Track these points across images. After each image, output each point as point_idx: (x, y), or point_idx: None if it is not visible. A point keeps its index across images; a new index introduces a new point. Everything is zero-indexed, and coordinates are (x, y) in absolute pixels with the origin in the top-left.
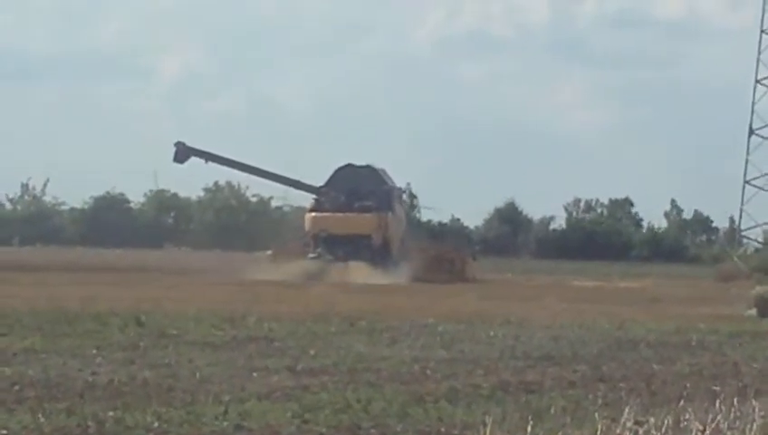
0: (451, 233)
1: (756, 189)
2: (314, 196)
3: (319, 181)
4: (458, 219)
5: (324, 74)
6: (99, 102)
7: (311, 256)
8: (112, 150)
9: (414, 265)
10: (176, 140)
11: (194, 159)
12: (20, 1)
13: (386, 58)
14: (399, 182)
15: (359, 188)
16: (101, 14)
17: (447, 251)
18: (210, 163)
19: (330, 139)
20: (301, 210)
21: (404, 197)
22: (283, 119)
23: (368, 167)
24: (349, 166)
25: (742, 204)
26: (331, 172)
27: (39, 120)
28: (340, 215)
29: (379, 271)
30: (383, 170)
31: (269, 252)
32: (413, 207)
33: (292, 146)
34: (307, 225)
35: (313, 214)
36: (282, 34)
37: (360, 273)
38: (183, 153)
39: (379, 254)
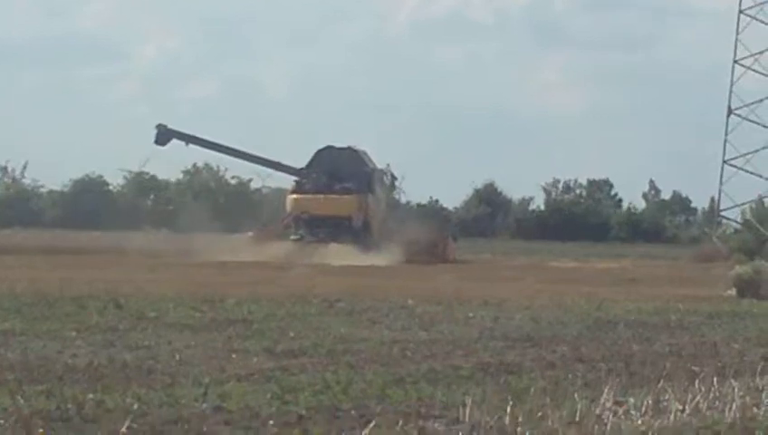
0: (431, 214)
1: (735, 170)
2: (295, 178)
3: (299, 164)
4: (437, 200)
5: (304, 58)
6: (78, 86)
7: (292, 237)
8: (91, 134)
9: (395, 246)
10: (157, 123)
11: (174, 142)
12: None
13: (365, 41)
14: (379, 164)
15: (339, 169)
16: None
17: (429, 232)
18: (191, 145)
19: (309, 122)
20: (280, 192)
21: (385, 178)
22: (263, 102)
23: (348, 148)
24: (329, 148)
25: (720, 184)
26: (310, 155)
27: (18, 103)
28: (320, 196)
29: (361, 252)
30: (364, 152)
31: (250, 234)
32: (393, 187)
33: (271, 129)
34: (288, 206)
35: (294, 195)
36: (261, 19)
37: (342, 254)
38: (164, 135)
39: (360, 235)
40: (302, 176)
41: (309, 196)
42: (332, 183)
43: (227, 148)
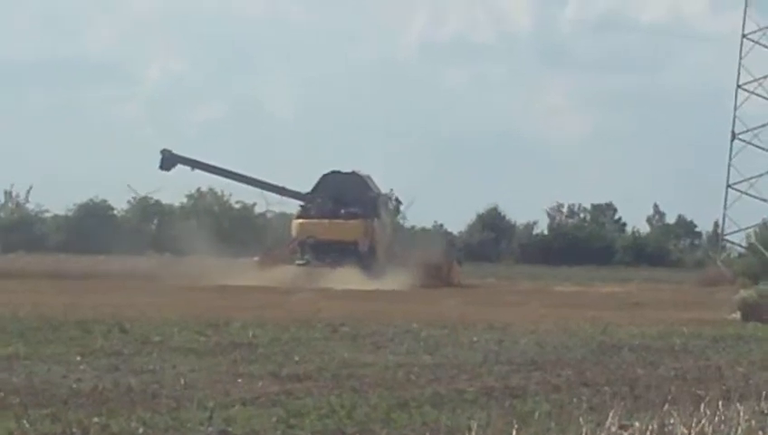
0: (436, 238)
1: (739, 194)
2: (300, 202)
3: (304, 188)
4: (441, 225)
5: (309, 81)
6: (82, 109)
7: (298, 262)
8: (96, 157)
9: (401, 270)
10: (162, 148)
11: (179, 166)
12: (3, 7)
13: (370, 63)
14: (383, 188)
15: (345, 194)
16: (85, 22)
17: (434, 256)
18: (196, 170)
19: (313, 145)
20: (284, 217)
21: (390, 203)
22: (268, 125)
23: (353, 173)
24: (334, 172)
25: (725, 208)
26: (315, 179)
27: (22, 127)
28: (326, 221)
29: (367, 277)
30: (368, 177)
31: (255, 258)
32: (397, 212)
33: (276, 152)
34: (294, 231)
35: (300, 220)
36: (267, 41)
37: (348, 279)
38: (169, 161)
39: (365, 260)
40: (307, 201)
41: (314, 220)
42: (338, 208)
43: (233, 173)
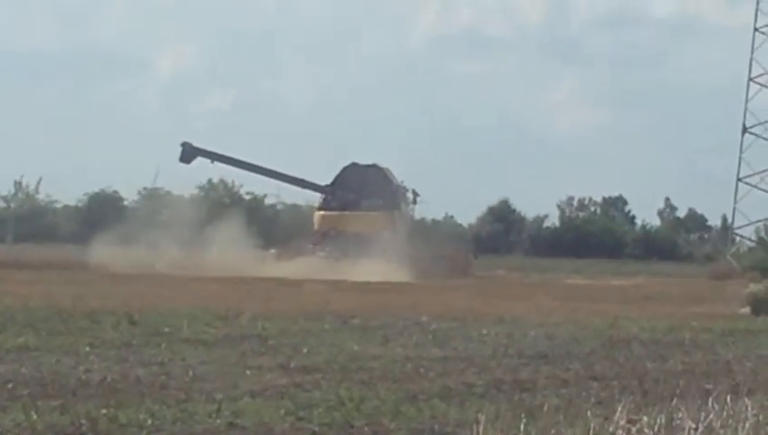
0: (449, 230)
1: (749, 187)
2: (321, 194)
3: (318, 180)
4: (452, 217)
5: (321, 73)
6: (94, 100)
7: (320, 254)
8: (107, 148)
9: (419, 262)
10: (182, 141)
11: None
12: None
13: (381, 57)
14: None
15: (365, 186)
16: (99, 13)
17: (450, 248)
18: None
19: (325, 137)
20: (295, 208)
21: (408, 195)
22: (280, 118)
23: (374, 166)
24: (354, 165)
25: (735, 202)
26: (328, 171)
27: (33, 118)
28: (349, 213)
29: (388, 268)
30: (388, 169)
31: (273, 250)
32: (415, 204)
33: (289, 144)
34: (316, 223)
35: (322, 212)
36: (279, 33)
37: (369, 270)
38: (189, 153)
39: (386, 251)
40: (327, 193)
41: (336, 213)
42: (359, 200)
43: (252, 165)
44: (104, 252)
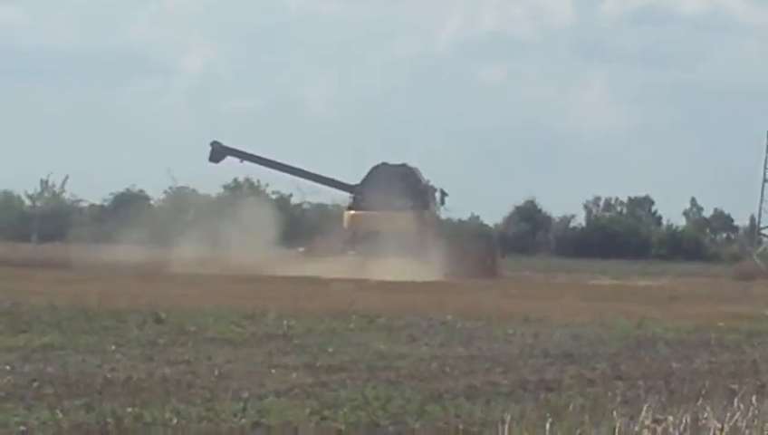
0: (476, 230)
1: None
2: (350, 193)
3: (345, 179)
4: (477, 217)
5: (347, 76)
6: (119, 100)
7: (350, 253)
8: (133, 148)
9: (447, 261)
10: (211, 140)
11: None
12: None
13: (408, 59)
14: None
15: (395, 186)
16: (123, 13)
17: (478, 247)
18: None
19: (352, 139)
20: (321, 207)
21: (436, 195)
22: (304, 118)
23: (403, 165)
24: (384, 164)
25: (761, 202)
26: (354, 171)
27: (58, 117)
28: (379, 213)
29: (418, 267)
30: (417, 169)
31: (301, 249)
32: (443, 203)
33: (316, 144)
34: (346, 222)
35: (352, 212)
36: (305, 36)
37: (399, 270)
38: (219, 153)
39: (416, 250)
40: (357, 192)
41: (366, 212)
42: (389, 199)
43: (281, 164)
44: (130, 251)
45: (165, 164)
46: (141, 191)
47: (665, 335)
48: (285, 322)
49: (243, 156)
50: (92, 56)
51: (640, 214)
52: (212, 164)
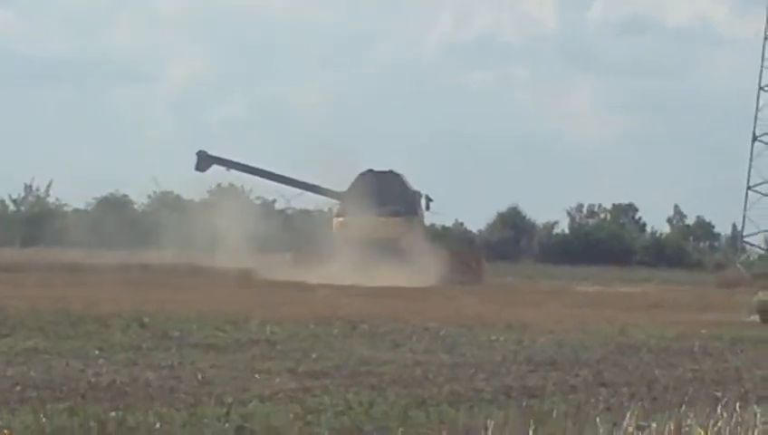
0: (459, 236)
1: (759, 196)
2: (337, 200)
3: (330, 186)
4: (461, 223)
5: (333, 82)
6: (104, 106)
7: (339, 259)
8: (117, 153)
9: (433, 267)
10: (197, 149)
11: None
12: (29, 5)
13: (393, 65)
14: None
15: (383, 192)
16: (109, 20)
17: (465, 253)
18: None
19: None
20: (305, 214)
21: (422, 201)
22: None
23: (390, 172)
24: (371, 171)
25: (745, 210)
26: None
27: (43, 121)
28: (368, 219)
29: (406, 273)
30: (404, 175)
31: (289, 255)
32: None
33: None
34: (335, 229)
35: (341, 218)
36: (290, 41)
37: (388, 275)
38: (205, 161)
39: (406, 256)
40: (345, 199)
41: (355, 218)
42: (378, 206)
43: (267, 172)
44: (113, 255)
45: (149, 169)
46: (125, 196)
47: (648, 342)
48: (269, 327)
49: (229, 164)
50: (78, 62)
51: (624, 221)
52: (198, 173)
